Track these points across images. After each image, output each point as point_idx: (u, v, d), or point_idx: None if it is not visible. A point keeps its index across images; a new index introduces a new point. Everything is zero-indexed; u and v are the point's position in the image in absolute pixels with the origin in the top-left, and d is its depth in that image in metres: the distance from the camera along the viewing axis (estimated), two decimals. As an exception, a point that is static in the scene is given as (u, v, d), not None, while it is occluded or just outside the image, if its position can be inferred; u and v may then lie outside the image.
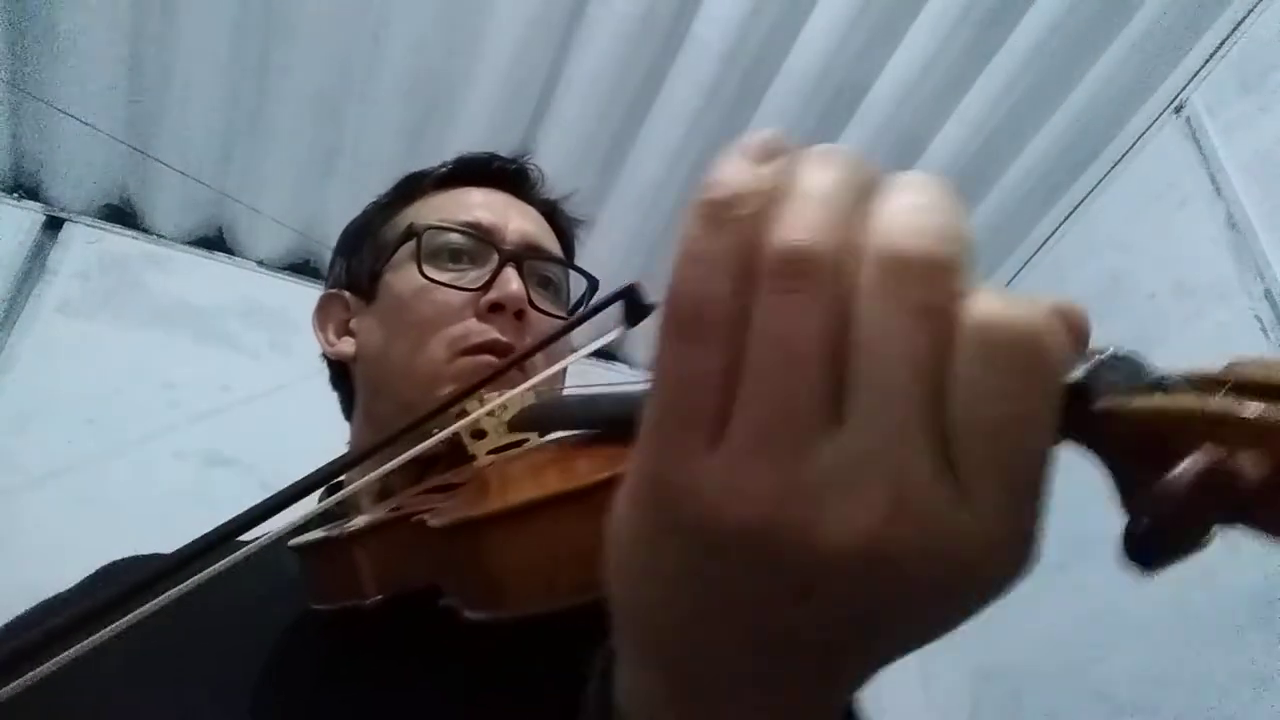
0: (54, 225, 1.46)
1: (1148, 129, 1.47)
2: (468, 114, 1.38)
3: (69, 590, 0.58)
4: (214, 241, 1.56)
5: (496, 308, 0.60)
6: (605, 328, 0.49)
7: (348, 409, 0.71)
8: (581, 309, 0.68)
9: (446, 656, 0.46)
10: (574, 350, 0.61)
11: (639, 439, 0.21)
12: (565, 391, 0.66)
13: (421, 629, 0.44)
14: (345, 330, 0.68)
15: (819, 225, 0.19)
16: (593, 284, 0.70)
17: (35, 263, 1.42)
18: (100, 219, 1.49)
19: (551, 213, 0.72)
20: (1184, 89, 1.42)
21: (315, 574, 0.46)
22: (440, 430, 0.46)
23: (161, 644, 0.52)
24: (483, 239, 0.63)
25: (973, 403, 0.18)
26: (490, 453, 0.47)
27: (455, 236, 0.63)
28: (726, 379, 0.19)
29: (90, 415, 1.34)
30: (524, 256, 0.63)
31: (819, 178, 0.19)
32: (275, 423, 1.43)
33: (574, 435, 0.42)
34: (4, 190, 1.45)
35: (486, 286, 0.61)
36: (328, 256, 1.55)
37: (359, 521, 0.44)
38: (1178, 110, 1.43)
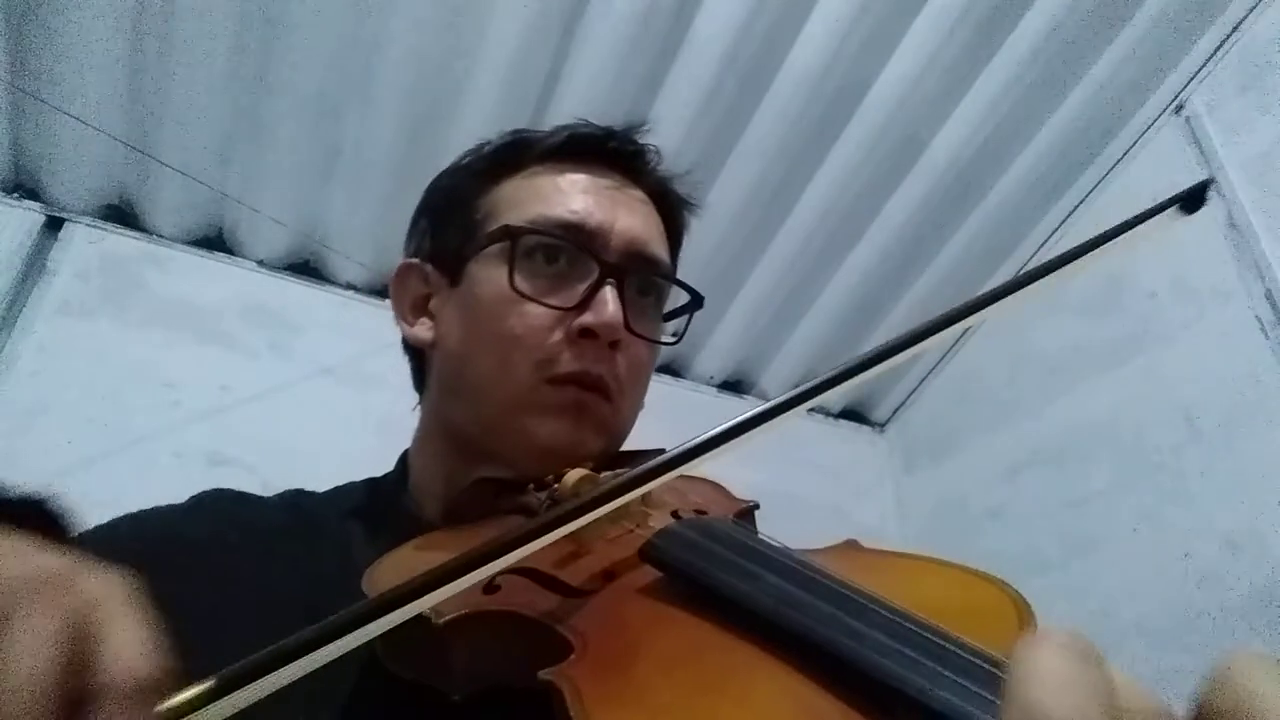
0: (54, 225, 1.46)
1: (1148, 129, 1.47)
2: (468, 114, 1.38)
3: (170, 508, 0.60)
4: (214, 241, 1.56)
5: (588, 333, 0.55)
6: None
7: (419, 381, 0.67)
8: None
9: None
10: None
11: None
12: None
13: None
14: (424, 309, 0.64)
15: None
16: (696, 300, 0.65)
17: (35, 263, 1.42)
18: (100, 219, 1.49)
19: (663, 195, 0.67)
20: (1184, 89, 1.42)
21: (393, 638, 0.39)
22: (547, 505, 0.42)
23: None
24: (583, 248, 0.57)
25: None
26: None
27: (553, 241, 0.57)
28: None
29: (90, 415, 1.34)
30: (625, 270, 0.58)
31: None
32: (275, 423, 1.43)
33: (711, 616, 0.34)
34: (4, 190, 1.45)
35: (582, 306, 0.55)
36: (328, 256, 1.58)
37: (452, 603, 0.35)
38: (1178, 110, 1.43)
